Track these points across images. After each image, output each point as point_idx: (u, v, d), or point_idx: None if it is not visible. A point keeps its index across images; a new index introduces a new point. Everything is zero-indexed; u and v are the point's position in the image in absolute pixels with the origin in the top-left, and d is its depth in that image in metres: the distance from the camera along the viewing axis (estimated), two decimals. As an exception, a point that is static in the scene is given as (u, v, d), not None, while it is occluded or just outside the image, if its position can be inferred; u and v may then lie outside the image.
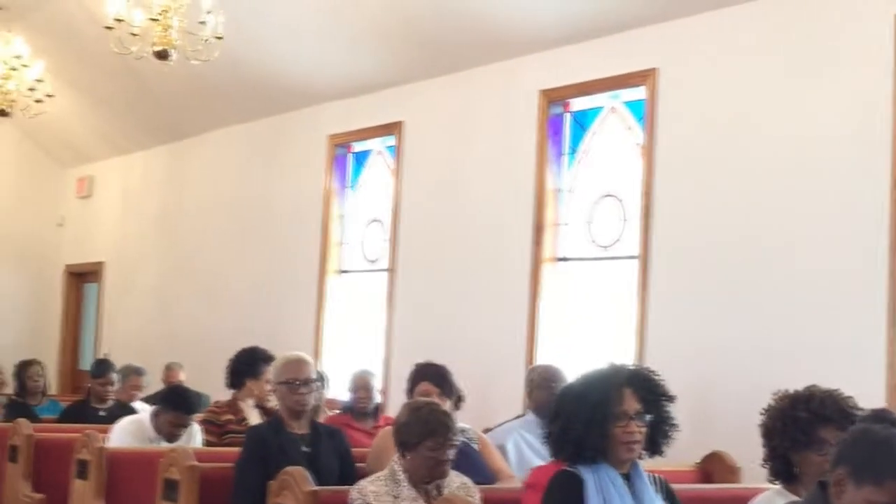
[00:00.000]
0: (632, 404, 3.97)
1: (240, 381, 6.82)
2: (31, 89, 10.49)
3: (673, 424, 4.07)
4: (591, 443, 3.91)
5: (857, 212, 6.44)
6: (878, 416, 3.33)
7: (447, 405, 5.51)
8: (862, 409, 3.97)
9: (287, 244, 11.30)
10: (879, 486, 3.08)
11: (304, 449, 5.44)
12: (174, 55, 8.02)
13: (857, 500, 3.11)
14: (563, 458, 4.01)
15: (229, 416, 6.71)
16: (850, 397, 4.02)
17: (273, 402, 6.64)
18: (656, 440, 4.06)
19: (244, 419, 6.68)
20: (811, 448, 3.88)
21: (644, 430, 3.98)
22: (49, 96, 10.57)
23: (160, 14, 7.92)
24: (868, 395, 4.16)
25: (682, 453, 5.40)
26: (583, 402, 3.95)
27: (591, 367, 4.13)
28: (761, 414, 4.08)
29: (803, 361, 6.39)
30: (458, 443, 4.80)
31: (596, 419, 3.91)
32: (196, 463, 5.50)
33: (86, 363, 14.43)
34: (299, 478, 4.80)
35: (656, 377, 4.09)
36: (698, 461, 6.23)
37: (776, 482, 4.03)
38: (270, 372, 5.78)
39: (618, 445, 3.94)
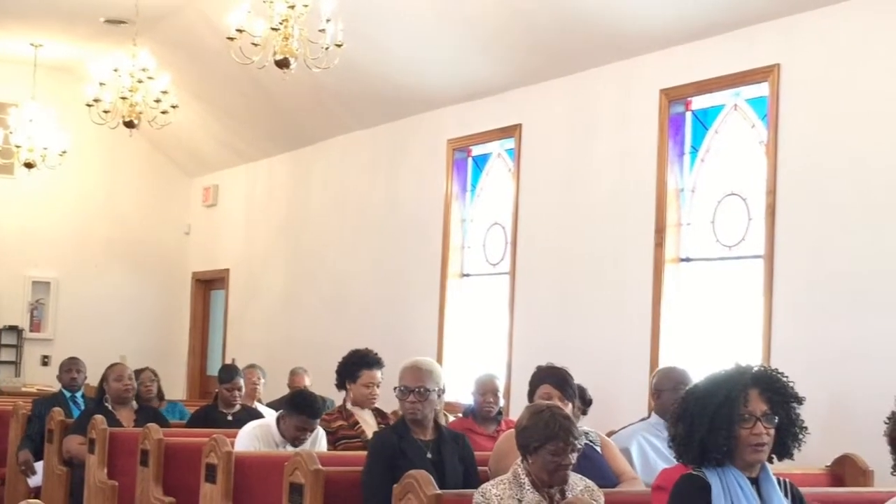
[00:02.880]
0: (758, 405, 3.89)
1: (342, 384, 6.89)
2: (157, 101, 10.69)
3: (802, 427, 3.98)
4: (716, 445, 3.85)
5: None
6: None
7: (569, 408, 5.48)
8: None
9: (409, 248, 11.36)
10: None
11: (428, 455, 5.45)
12: (295, 64, 8.11)
13: None
14: (688, 461, 3.96)
15: (341, 423, 6.76)
16: None
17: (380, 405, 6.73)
18: (785, 442, 3.98)
19: (357, 423, 6.73)
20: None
21: (772, 432, 3.90)
22: (174, 107, 10.77)
23: (281, 24, 8.01)
24: None
25: (812, 456, 5.29)
26: (707, 403, 3.89)
27: (716, 369, 4.06)
28: (885, 422, 3.99)
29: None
30: (580, 447, 4.77)
31: (721, 420, 3.84)
32: (321, 467, 5.54)
33: (213, 369, 14.69)
34: (423, 481, 4.81)
35: (783, 378, 4.00)
36: (829, 464, 6.10)
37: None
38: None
39: (744, 447, 3.87)
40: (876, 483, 5.87)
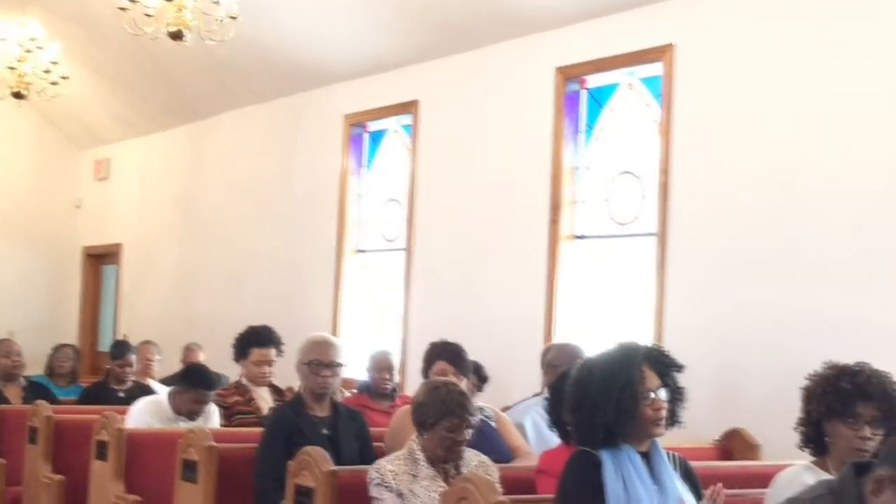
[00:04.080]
0: (653, 381, 3.94)
1: (238, 360, 6.87)
2: (47, 71, 10.48)
3: (684, 391, 4.04)
4: (622, 426, 3.88)
5: (884, 184, 6.38)
6: None
7: (464, 384, 5.50)
8: None
9: (305, 224, 11.30)
10: None
11: (324, 431, 5.45)
12: (189, 36, 8.00)
13: None
14: (591, 446, 3.97)
15: (236, 398, 6.74)
16: (894, 381, 4.02)
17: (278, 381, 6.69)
18: (674, 411, 4.04)
19: (252, 399, 6.70)
20: (845, 420, 3.90)
21: (666, 403, 3.96)
22: (65, 78, 10.57)
23: (174, -6, 7.90)
24: (892, 372, 4.13)
25: (701, 430, 5.39)
26: (607, 387, 3.90)
27: (601, 351, 4.08)
28: (807, 379, 4.09)
29: (825, 339, 6.33)
30: (475, 422, 4.79)
31: (625, 402, 3.87)
32: (214, 443, 5.51)
33: (105, 345, 14.48)
34: (319, 458, 4.80)
35: (666, 350, 4.09)
36: (718, 438, 6.21)
37: (805, 449, 4.03)
38: (298, 352, 5.76)
39: (648, 424, 3.91)
40: (764, 456, 5.99)
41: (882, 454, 3.24)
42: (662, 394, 3.94)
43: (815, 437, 3.98)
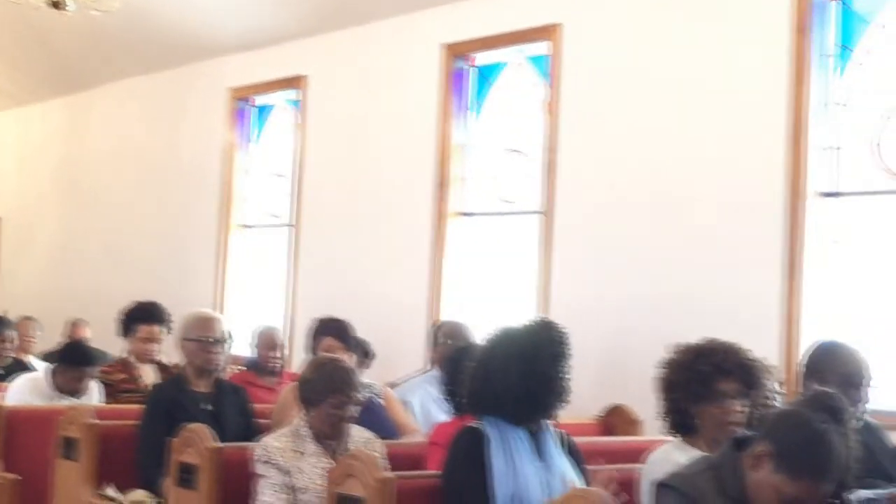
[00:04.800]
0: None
1: (124, 336, 6.78)
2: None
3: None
4: (536, 398, 3.94)
5: (755, 166, 6.53)
6: (822, 401, 3.33)
7: (351, 360, 5.51)
8: (758, 361, 4.06)
9: (189, 199, 11.16)
10: (794, 480, 3.14)
11: (207, 407, 5.41)
12: (72, 5, 7.84)
13: (768, 480, 3.17)
14: (481, 414, 4.02)
15: (122, 376, 6.63)
16: (748, 350, 4.09)
17: (166, 358, 6.61)
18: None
19: (139, 377, 6.61)
20: (710, 401, 3.95)
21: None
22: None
23: (56, -37, 7.74)
24: (764, 348, 4.23)
25: (585, 407, 5.47)
26: (521, 359, 3.97)
27: (508, 325, 4.19)
28: (661, 367, 4.14)
29: (703, 316, 6.47)
30: (361, 399, 4.80)
31: (537, 375, 3.94)
32: (96, 421, 5.43)
33: (-18, 320, 14.14)
34: (202, 434, 4.77)
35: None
36: (600, 414, 6.31)
37: (673, 434, 4.10)
38: (180, 328, 5.70)
39: (563, 398, 4.02)
40: (644, 432, 6.09)
41: (759, 430, 3.33)
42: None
43: (682, 422, 4.04)
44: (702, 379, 3.97)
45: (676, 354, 4.13)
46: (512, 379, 3.97)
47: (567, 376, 4.01)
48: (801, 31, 6.39)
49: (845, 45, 6.39)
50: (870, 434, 4.37)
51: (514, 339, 4.11)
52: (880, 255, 6.23)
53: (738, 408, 3.93)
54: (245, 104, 10.69)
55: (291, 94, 10.09)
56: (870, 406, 4.61)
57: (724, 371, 3.98)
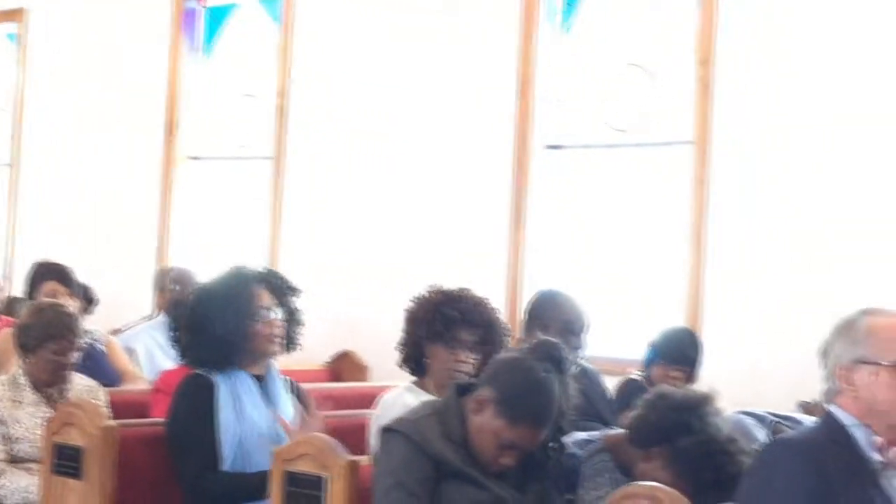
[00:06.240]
0: (267, 300, 4.01)
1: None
2: None
3: (300, 314, 4.18)
4: (236, 345, 3.91)
5: (486, 119, 6.67)
6: (545, 350, 3.42)
7: (75, 305, 5.36)
8: (504, 323, 4.21)
9: None
10: (512, 426, 3.25)
11: None
12: None
13: (489, 425, 3.27)
14: (202, 365, 3.98)
15: None
16: (497, 310, 4.25)
17: None
18: (291, 333, 4.12)
19: None
20: (446, 343, 4.05)
21: (281, 323, 4.01)
22: None
23: None
24: (492, 297, 4.34)
25: (315, 354, 5.50)
26: (222, 305, 3.94)
27: (217, 274, 4.17)
28: (412, 301, 4.23)
29: (432, 265, 6.56)
30: (82, 346, 4.68)
31: (239, 320, 3.91)
32: None
33: None
34: None
35: (282, 274, 4.22)
36: (328, 361, 6.35)
37: (404, 367, 4.19)
38: None
39: (262, 342, 3.98)
40: (372, 378, 6.18)
41: (482, 376, 3.43)
42: (278, 313, 4.01)
43: (415, 356, 4.14)
44: (445, 322, 4.06)
45: (429, 293, 4.22)
46: (207, 325, 3.95)
47: (257, 321, 3.98)
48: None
49: (571, 2, 6.58)
50: (587, 379, 4.57)
51: (209, 286, 4.13)
52: (601, 207, 6.48)
53: (471, 359, 4.04)
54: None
55: (10, 27, 9.63)
56: (587, 352, 4.84)
57: (468, 322, 4.08)
